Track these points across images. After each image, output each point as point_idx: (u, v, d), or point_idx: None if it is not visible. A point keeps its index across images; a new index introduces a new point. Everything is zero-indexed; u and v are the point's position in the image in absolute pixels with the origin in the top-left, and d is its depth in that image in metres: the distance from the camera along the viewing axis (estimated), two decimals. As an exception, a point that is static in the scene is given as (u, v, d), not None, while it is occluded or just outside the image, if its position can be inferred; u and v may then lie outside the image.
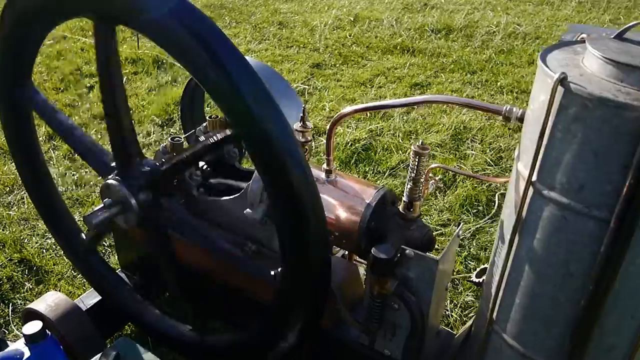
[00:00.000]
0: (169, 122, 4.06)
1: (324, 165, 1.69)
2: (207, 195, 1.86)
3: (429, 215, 3.11)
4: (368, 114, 4.13)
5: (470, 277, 2.67)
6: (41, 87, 4.44)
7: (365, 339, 1.73)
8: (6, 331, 2.35)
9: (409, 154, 3.66)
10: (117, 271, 2.23)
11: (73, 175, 3.40)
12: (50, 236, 2.88)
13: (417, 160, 1.51)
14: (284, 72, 4.81)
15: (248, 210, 1.68)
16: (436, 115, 4.11)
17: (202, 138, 2.00)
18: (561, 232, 1.15)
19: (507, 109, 1.27)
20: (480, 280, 1.73)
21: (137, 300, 1.96)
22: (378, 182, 3.43)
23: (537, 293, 1.25)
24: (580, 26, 1.33)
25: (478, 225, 3.05)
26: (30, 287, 2.59)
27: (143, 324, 2.00)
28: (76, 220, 2.14)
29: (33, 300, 2.39)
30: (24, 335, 1.51)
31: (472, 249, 2.90)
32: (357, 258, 2.05)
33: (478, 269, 1.79)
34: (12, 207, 3.09)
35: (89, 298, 2.20)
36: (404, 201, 1.59)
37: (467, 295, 2.59)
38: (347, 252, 2.00)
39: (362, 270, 2.04)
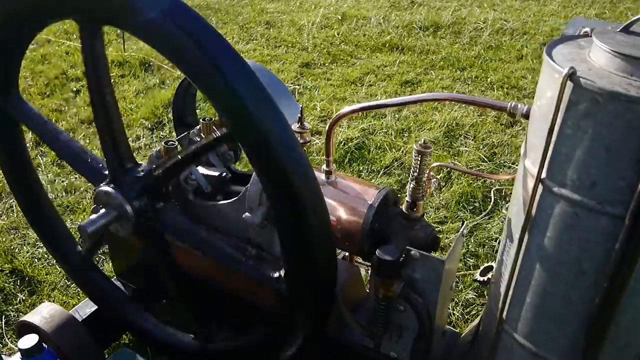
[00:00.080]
0: (158, 125, 4.00)
1: (324, 167, 1.67)
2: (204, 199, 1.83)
3: (425, 213, 3.08)
4: (360, 113, 4.10)
5: (472, 274, 2.67)
6: (26, 92, 4.36)
7: (370, 341, 1.70)
8: (0, 345, 2.30)
9: (402, 152, 3.65)
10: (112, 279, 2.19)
11: (62, 181, 3.34)
12: (42, 245, 2.82)
13: (419, 159, 1.48)
14: (273, 72, 4.77)
15: (247, 214, 1.64)
16: (428, 112, 4.10)
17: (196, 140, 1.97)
18: (573, 229, 1.13)
19: (512, 105, 1.25)
20: (485, 278, 1.71)
21: (139, 312, 1.91)
22: (373, 181, 3.40)
23: (549, 292, 1.24)
24: (581, 20, 1.31)
25: (475, 222, 3.04)
26: (23, 298, 2.53)
27: (143, 333, 1.96)
28: (72, 233, 2.08)
29: (27, 312, 2.33)
30: (20, 350, 1.46)
31: (470, 245, 2.89)
32: (357, 259, 2.03)
33: (482, 267, 1.77)
34: (1, 216, 3.03)
35: (85, 308, 2.15)
36: (407, 201, 1.56)
37: (468, 293, 2.57)
38: (347, 254, 1.97)
39: (362, 271, 2.02)
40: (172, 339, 1.89)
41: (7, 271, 2.64)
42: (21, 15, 1.50)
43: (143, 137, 3.82)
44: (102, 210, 1.58)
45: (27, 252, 2.78)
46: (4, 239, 2.84)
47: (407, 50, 5.30)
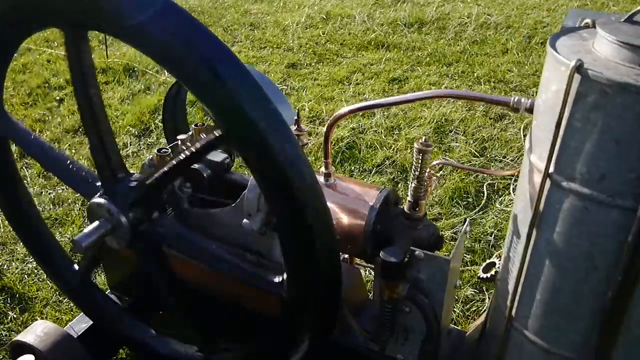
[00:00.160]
0: (145, 132, 3.95)
1: (322, 169, 1.64)
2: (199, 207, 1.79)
3: (420, 210, 3.07)
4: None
5: (470, 270, 2.66)
6: (8, 102, 4.27)
7: (374, 345, 1.68)
8: (-7, 365, 2.24)
9: (393, 150, 3.63)
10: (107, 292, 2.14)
11: (50, 193, 3.28)
12: (31, 260, 2.76)
13: (420, 157, 1.46)
14: (259, 74, 4.73)
15: (245, 220, 1.61)
16: (417, 109, 4.08)
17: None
18: (583, 223, 1.11)
19: (515, 100, 1.23)
20: (488, 275, 1.69)
21: (137, 325, 1.86)
22: (365, 180, 3.38)
23: (559, 287, 1.22)
24: (580, 11, 1.30)
25: (470, 218, 3.02)
26: (14, 316, 2.47)
27: (141, 346, 1.91)
28: (67, 253, 2.02)
29: (19, 331, 2.27)
30: (17, 371, 1.42)
31: (466, 241, 2.87)
32: (357, 261, 2.00)
33: (484, 265, 1.75)
34: (-13, 232, 2.96)
35: (80, 324, 2.10)
36: (408, 201, 1.54)
37: (467, 289, 2.56)
38: (347, 256, 1.94)
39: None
40: (173, 351, 1.85)
41: (-3, 288, 2.58)
42: (3, 25, 1.45)
43: (130, 145, 3.76)
44: (96, 223, 1.54)
45: (16, 269, 2.72)
46: (-8, 255, 2.78)
47: (392, 47, 5.28)
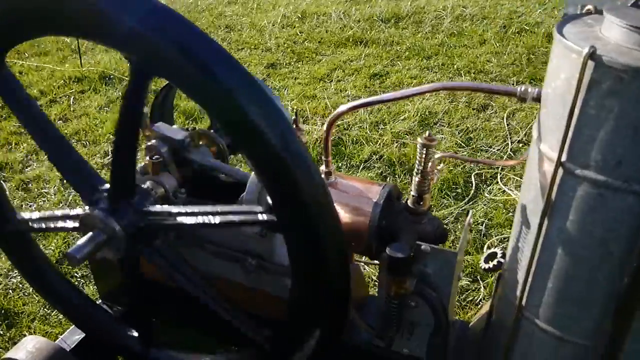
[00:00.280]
0: (126, 138, 3.86)
1: (322, 167, 1.61)
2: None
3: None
4: (331, 110, 4.05)
5: (468, 261, 2.66)
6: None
7: (380, 341, 1.66)
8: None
9: (379, 144, 3.62)
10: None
11: (30, 206, 3.19)
12: (15, 275, 2.68)
13: (424, 152, 1.44)
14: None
15: (245, 223, 1.57)
16: (400, 103, 4.08)
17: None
18: (597, 211, 1.11)
19: (522, 89, 1.22)
20: (490, 265, 1.68)
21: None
22: (354, 176, 3.36)
23: (572, 275, 1.21)
24: (575, -3, 1.29)
25: (460, 209, 3.03)
26: (1, 332, 2.39)
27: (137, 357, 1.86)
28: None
29: (7, 348, 2.21)
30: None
31: (457, 232, 2.88)
32: (356, 257, 1.98)
33: (485, 255, 1.74)
34: (-31, 248, 2.86)
35: (71, 336, 2.04)
36: (412, 195, 1.52)
37: (461, 280, 2.56)
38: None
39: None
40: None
41: (-19, 306, 2.50)
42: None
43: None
44: (90, 235, 1.48)
45: (0, 284, 2.63)
46: (-25, 272, 2.68)
47: (371, 43, 5.27)
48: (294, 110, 1.64)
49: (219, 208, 1.33)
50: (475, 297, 2.50)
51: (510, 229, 2.83)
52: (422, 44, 5.17)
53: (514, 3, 6.09)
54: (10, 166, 3.54)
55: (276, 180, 1.16)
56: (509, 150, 3.51)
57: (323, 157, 1.60)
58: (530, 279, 1.30)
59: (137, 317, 1.78)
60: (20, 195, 3.28)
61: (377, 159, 3.48)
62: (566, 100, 1.07)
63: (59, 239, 2.87)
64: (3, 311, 2.49)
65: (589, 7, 1.22)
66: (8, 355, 1.87)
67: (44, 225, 1.65)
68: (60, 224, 1.59)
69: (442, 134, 3.73)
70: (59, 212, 1.60)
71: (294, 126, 1.56)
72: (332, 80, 4.57)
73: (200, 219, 1.35)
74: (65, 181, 3.10)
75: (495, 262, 1.67)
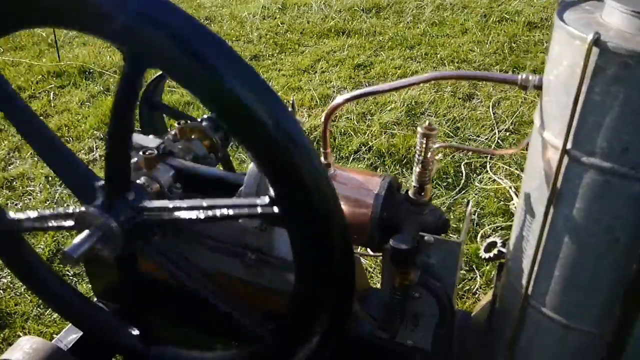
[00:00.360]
0: (110, 134, 3.81)
1: (321, 159, 1.59)
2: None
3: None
4: (319, 101, 4.05)
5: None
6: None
7: (383, 333, 1.66)
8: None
9: (368, 135, 3.62)
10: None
11: (16, 204, 3.13)
12: (5, 275, 2.63)
13: (424, 142, 1.44)
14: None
15: (245, 217, 1.56)
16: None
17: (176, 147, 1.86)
18: (604, 198, 1.11)
19: (523, 77, 1.22)
20: (491, 255, 1.70)
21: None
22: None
23: (579, 263, 1.22)
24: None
25: (452, 199, 3.05)
26: (-5, 334, 2.36)
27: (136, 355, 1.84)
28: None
29: (2, 349, 2.17)
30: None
31: (450, 222, 2.89)
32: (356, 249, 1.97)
33: (485, 244, 1.76)
34: (-46, 250, 2.80)
35: (68, 335, 2.01)
36: (413, 186, 1.52)
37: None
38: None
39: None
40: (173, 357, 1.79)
41: (-28, 308, 2.45)
42: None
43: (97, 149, 3.62)
44: (86, 232, 1.45)
45: (-10, 285, 2.59)
46: (-38, 274, 2.63)
47: (353, 33, 5.26)
48: (291, 101, 1.62)
49: (219, 202, 1.31)
50: (472, 287, 2.53)
51: (502, 217, 2.86)
52: (404, 34, 5.17)
53: (494, -9, 6.12)
54: (-9, 165, 3.47)
55: (277, 166, 1.14)
56: (496, 139, 3.54)
57: (322, 149, 1.59)
58: (536, 268, 1.31)
59: (137, 315, 1.76)
60: (4, 193, 3.22)
61: (366, 150, 3.48)
62: (570, 88, 1.08)
63: (47, 237, 2.82)
64: (-6, 312, 2.45)
65: (588, -7, 1.23)
66: (4, 356, 1.84)
67: (37, 225, 1.61)
68: (54, 222, 1.56)
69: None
70: (52, 211, 1.57)
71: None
72: (316, 72, 4.55)
73: (199, 213, 1.34)
74: (57, 178, 3.05)
75: (495, 251, 1.68)
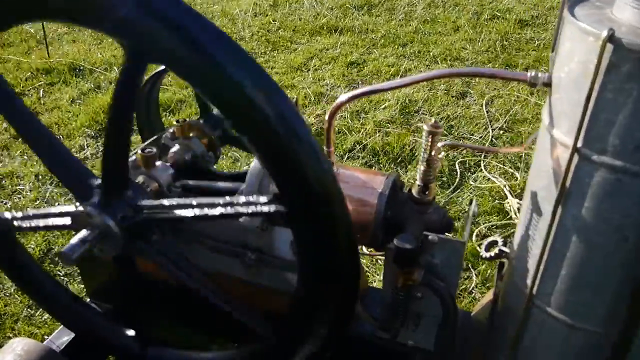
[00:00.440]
0: (101, 132, 3.75)
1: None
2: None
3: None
4: (313, 99, 4.02)
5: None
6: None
7: (384, 333, 1.64)
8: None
9: (362, 134, 3.60)
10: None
11: (5, 203, 3.07)
12: (-5, 275, 2.58)
13: (430, 140, 1.42)
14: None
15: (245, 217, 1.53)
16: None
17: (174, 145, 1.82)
18: (615, 196, 1.10)
19: (532, 75, 1.20)
20: (492, 254, 1.68)
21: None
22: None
23: (586, 262, 1.21)
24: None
25: (447, 198, 3.04)
26: (-16, 336, 2.31)
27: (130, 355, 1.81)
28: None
29: (-6, 352, 2.12)
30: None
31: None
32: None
33: (485, 243, 1.74)
34: (-58, 250, 2.74)
35: (60, 337, 1.97)
36: (418, 185, 1.50)
37: (456, 269, 2.57)
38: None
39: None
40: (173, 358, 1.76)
41: (-39, 309, 2.40)
42: None
43: (88, 147, 3.57)
44: (84, 232, 1.42)
45: (-21, 286, 2.54)
46: (-50, 275, 2.57)
47: (345, 31, 5.24)
48: (294, 98, 1.60)
49: (219, 200, 1.28)
50: (468, 286, 2.52)
51: (497, 216, 2.86)
52: (396, 32, 5.16)
53: (485, -11, 6.13)
54: (-20, 163, 3.41)
55: (281, 162, 1.12)
56: (490, 137, 3.54)
57: (325, 148, 1.57)
58: (542, 267, 1.29)
59: (134, 315, 1.73)
60: (-7, 192, 3.16)
61: (361, 148, 3.46)
62: (581, 85, 1.06)
63: (38, 237, 2.77)
64: (-18, 314, 2.40)
65: (597, -10, 1.22)
66: (-6, 359, 1.80)
67: (32, 224, 1.58)
68: (50, 221, 1.53)
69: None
70: (47, 210, 1.53)
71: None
72: (309, 70, 4.52)
73: (199, 211, 1.31)
74: (47, 177, 3.00)
75: (496, 250, 1.67)
